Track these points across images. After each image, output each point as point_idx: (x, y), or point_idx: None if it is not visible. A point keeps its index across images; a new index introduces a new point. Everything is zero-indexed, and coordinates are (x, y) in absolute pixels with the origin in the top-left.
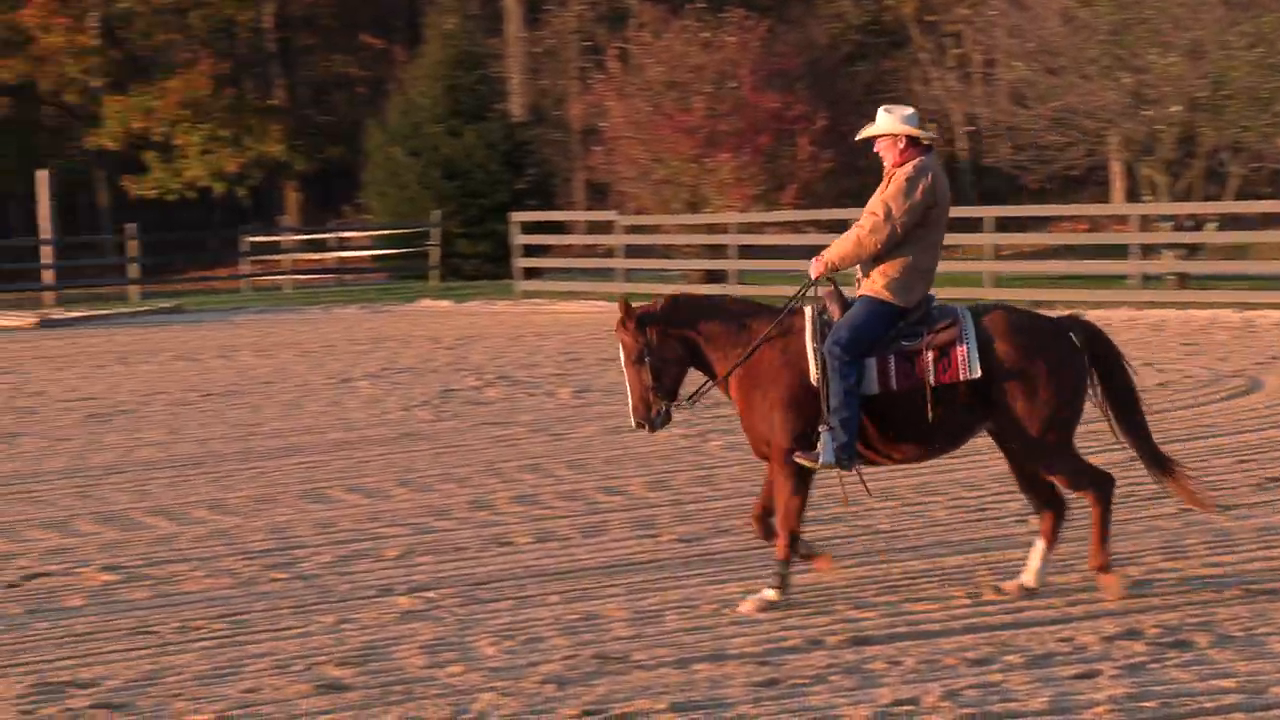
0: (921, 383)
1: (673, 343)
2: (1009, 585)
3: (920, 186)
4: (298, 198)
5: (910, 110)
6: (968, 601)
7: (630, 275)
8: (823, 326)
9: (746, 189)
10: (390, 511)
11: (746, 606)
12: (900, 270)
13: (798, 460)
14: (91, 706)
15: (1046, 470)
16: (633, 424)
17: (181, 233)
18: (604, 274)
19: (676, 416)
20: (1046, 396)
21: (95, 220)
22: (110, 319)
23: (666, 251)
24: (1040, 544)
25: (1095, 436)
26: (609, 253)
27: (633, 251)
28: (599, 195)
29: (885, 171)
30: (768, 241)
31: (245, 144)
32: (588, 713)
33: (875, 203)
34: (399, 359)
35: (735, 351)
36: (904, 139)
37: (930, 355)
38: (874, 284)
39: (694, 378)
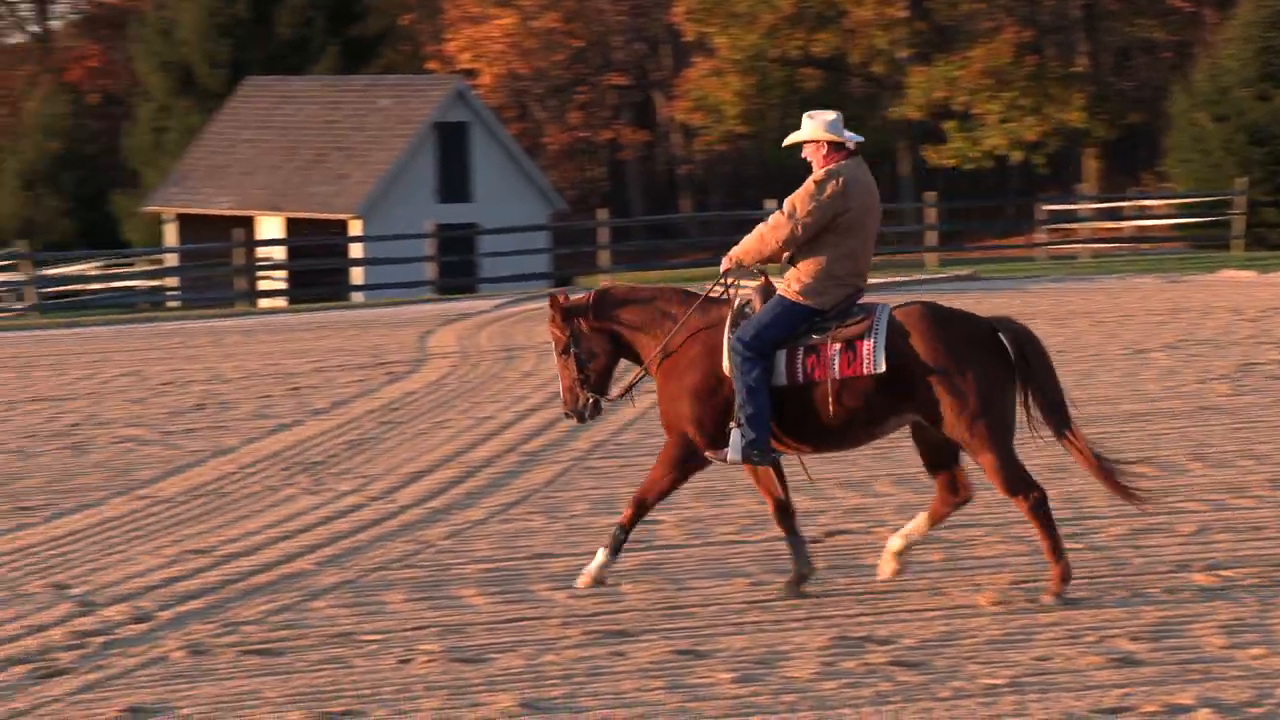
0: (832, 375)
1: (598, 336)
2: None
3: (828, 190)
4: (1096, 165)
5: (833, 116)
6: None
7: None
8: (741, 320)
9: None
10: (1185, 486)
11: (581, 580)
12: (813, 275)
13: (710, 458)
14: (889, 663)
15: (982, 466)
16: (564, 414)
17: (977, 200)
18: None
19: None
20: (968, 391)
21: (896, 189)
22: (909, 284)
23: None
24: (922, 516)
25: None
26: None
27: None
28: None
29: None
30: None
31: (1045, 112)
32: None
33: (786, 201)
34: (1197, 331)
35: (659, 341)
36: (825, 145)
37: (835, 349)
38: (788, 287)
39: None
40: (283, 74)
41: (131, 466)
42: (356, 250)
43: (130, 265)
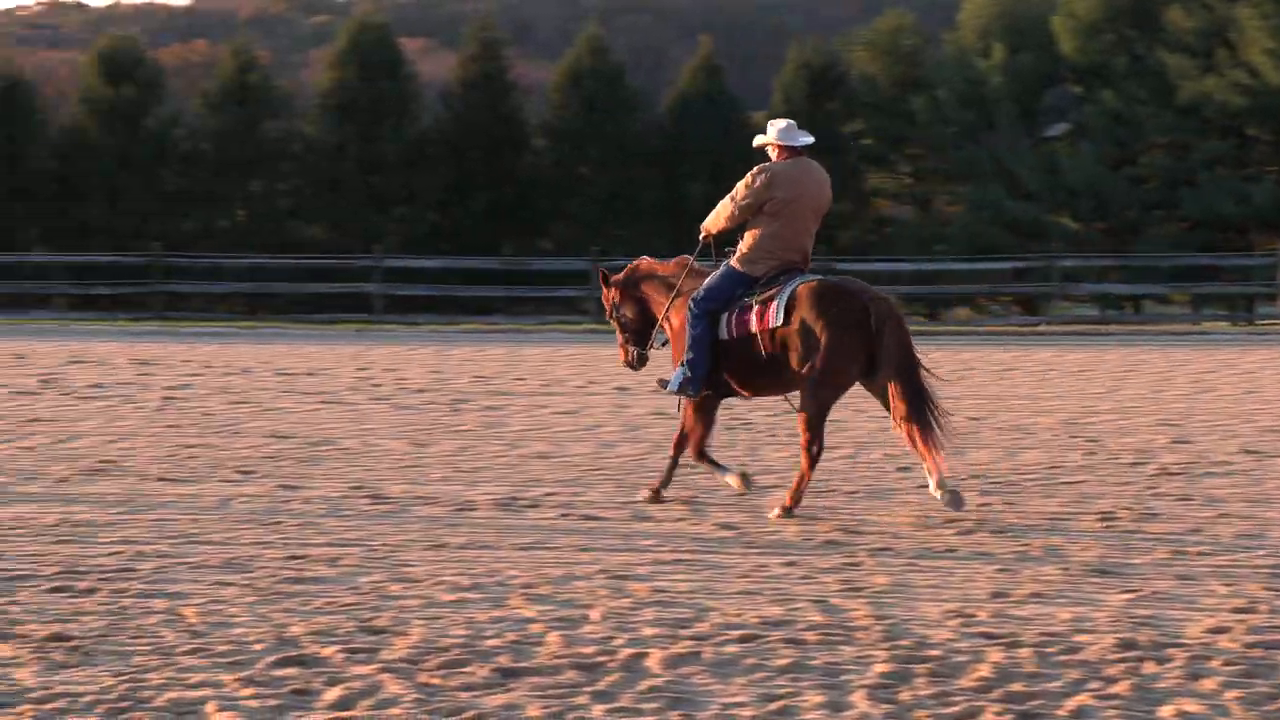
0: (751, 330)
1: (630, 301)
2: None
3: (758, 182)
4: None
5: (784, 124)
6: None
7: None
8: None
9: None
10: None
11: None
12: (749, 247)
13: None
14: None
15: (801, 407)
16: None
17: None
18: None
19: None
20: (816, 347)
21: None
22: None
23: None
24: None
25: None
26: None
27: None
28: None
29: None
30: None
31: None
32: None
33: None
34: None
35: (665, 304)
36: (778, 145)
37: (757, 309)
38: (735, 256)
39: None
40: None
41: None
42: None
43: None
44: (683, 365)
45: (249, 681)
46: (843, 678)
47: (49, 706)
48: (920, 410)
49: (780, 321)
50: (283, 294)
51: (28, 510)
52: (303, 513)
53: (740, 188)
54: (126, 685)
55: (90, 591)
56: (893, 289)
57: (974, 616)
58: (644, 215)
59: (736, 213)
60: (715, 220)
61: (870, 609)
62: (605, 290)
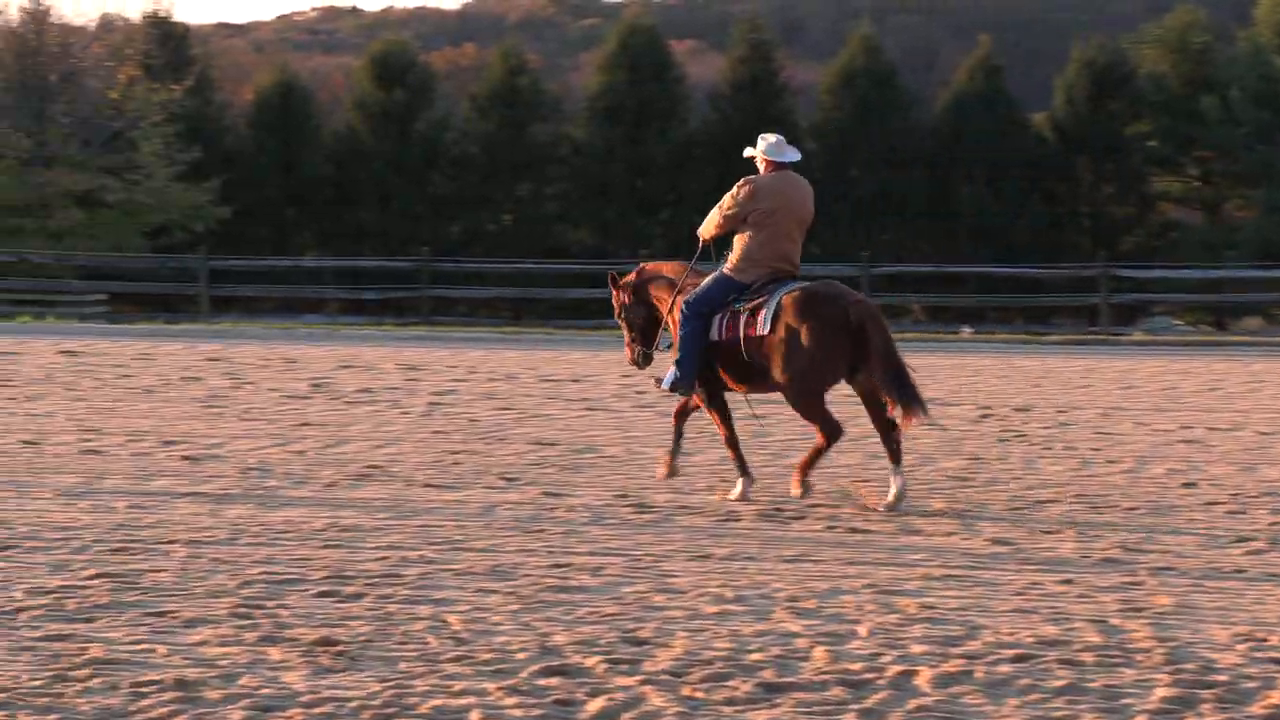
0: (739, 335)
1: (638, 303)
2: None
3: (741, 194)
4: None
5: (775, 138)
6: None
7: None
8: None
9: None
10: None
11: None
12: (739, 255)
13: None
14: None
15: (796, 410)
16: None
17: None
18: None
19: None
20: (801, 351)
21: None
22: None
23: None
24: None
25: None
26: None
27: None
28: None
29: None
30: None
31: None
32: None
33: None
34: None
35: (669, 305)
36: (763, 160)
37: (745, 315)
38: (727, 263)
39: None
40: None
41: None
42: None
43: None
44: (675, 364)
45: (512, 691)
46: (1123, 701)
47: (317, 711)
48: (905, 392)
49: (767, 330)
50: (547, 299)
51: (297, 514)
52: (566, 521)
53: (727, 199)
54: (392, 691)
55: (357, 597)
56: (1177, 297)
57: (1265, 641)
58: (912, 218)
59: (723, 222)
60: (707, 228)
61: (1152, 630)
62: (615, 292)
